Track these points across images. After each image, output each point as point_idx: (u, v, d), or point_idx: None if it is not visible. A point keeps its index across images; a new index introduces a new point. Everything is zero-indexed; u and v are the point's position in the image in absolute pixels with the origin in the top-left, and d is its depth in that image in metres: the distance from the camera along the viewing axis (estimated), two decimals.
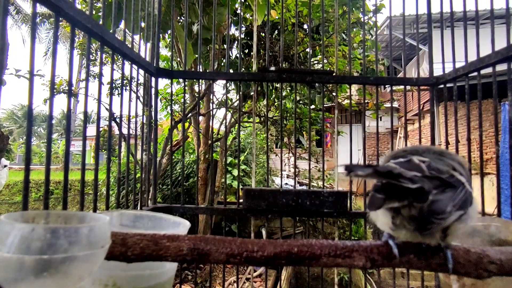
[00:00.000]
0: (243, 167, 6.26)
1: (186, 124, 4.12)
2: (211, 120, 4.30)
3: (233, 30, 4.49)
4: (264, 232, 4.68)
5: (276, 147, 10.60)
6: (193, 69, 3.60)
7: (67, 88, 2.05)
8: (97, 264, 0.60)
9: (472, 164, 1.51)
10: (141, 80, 3.87)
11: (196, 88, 4.30)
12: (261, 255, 0.68)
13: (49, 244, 0.52)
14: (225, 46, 4.01)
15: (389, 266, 0.68)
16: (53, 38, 0.94)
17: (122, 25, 1.87)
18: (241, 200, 1.65)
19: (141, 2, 1.49)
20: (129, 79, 1.85)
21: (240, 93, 2.06)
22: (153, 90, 1.73)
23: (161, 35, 2.85)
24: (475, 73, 1.40)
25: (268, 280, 3.50)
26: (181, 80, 2.85)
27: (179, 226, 0.97)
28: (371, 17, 4.51)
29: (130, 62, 1.46)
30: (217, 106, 4.62)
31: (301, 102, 4.95)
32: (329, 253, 0.67)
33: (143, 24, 1.57)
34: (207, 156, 4.34)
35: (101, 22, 1.13)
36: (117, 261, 0.68)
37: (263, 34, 4.28)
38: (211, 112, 4.16)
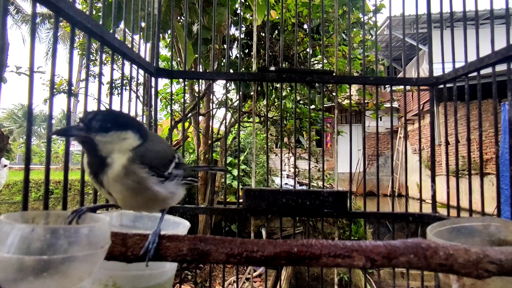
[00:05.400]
0: (243, 167, 6.25)
1: (186, 124, 4.12)
2: (211, 120, 4.29)
3: (233, 30, 4.49)
4: (264, 232, 4.67)
5: (276, 147, 10.59)
6: (193, 69, 3.59)
7: (67, 88, 2.05)
8: (97, 265, 0.60)
9: (472, 164, 1.52)
10: (141, 80, 3.88)
11: (196, 88, 4.30)
12: (261, 255, 0.68)
13: (49, 244, 0.52)
14: (225, 46, 4.00)
15: (389, 266, 0.68)
16: (53, 38, 0.94)
17: (122, 25, 1.87)
18: (241, 200, 1.65)
19: (141, 2, 1.49)
20: (129, 79, 1.85)
21: (240, 93, 2.06)
22: (153, 90, 1.73)
23: (161, 35, 2.85)
24: (475, 73, 1.40)
25: (268, 280, 3.50)
26: (181, 80, 2.85)
27: (179, 226, 0.97)
28: (371, 17, 4.51)
29: (130, 62, 1.46)
30: (217, 106, 4.62)
31: (301, 102, 4.94)
32: (329, 253, 0.67)
33: (143, 24, 1.57)
34: (207, 156, 4.34)
35: (101, 22, 1.13)
36: (117, 261, 0.68)
37: (263, 34, 4.28)
38: (211, 112, 4.16)
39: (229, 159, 5.84)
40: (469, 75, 1.44)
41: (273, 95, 4.56)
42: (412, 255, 0.67)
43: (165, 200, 0.76)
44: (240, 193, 1.76)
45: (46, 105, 4.64)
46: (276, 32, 4.39)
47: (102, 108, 0.85)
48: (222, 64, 4.02)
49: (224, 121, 4.26)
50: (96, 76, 4.66)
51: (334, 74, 1.73)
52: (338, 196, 1.58)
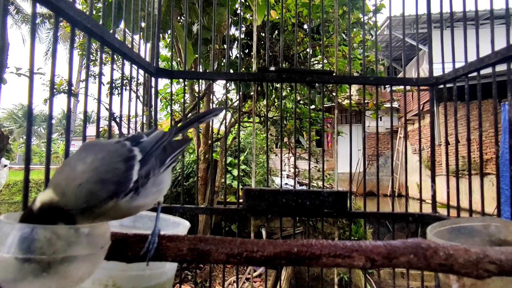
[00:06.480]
0: (243, 167, 6.25)
1: None
2: (211, 120, 4.29)
3: (233, 30, 4.49)
4: (264, 232, 4.67)
5: (276, 147, 10.59)
6: (193, 69, 3.59)
7: (67, 88, 2.05)
8: (97, 265, 0.60)
9: (472, 164, 1.52)
10: (141, 80, 3.88)
11: (196, 88, 4.30)
12: (261, 255, 0.68)
13: (49, 244, 0.52)
14: (225, 46, 4.00)
15: (389, 266, 0.68)
16: (53, 38, 0.94)
17: (122, 25, 1.87)
18: (241, 200, 1.65)
19: (141, 2, 1.49)
20: (129, 79, 1.85)
21: (240, 93, 2.06)
22: (153, 90, 1.73)
23: (161, 35, 2.85)
24: (475, 73, 1.40)
25: (268, 280, 3.50)
26: (181, 80, 2.86)
27: (179, 226, 0.97)
28: (371, 17, 4.51)
29: (130, 62, 1.46)
30: (217, 106, 4.62)
31: (301, 102, 4.95)
32: (329, 253, 0.67)
33: (143, 24, 1.57)
34: (207, 156, 4.34)
35: (101, 22, 1.13)
36: (117, 261, 0.68)
37: (263, 34, 4.28)
38: None
39: (229, 159, 5.84)
40: (469, 75, 1.44)
41: (273, 95, 4.56)
42: (412, 255, 0.67)
43: (153, 201, 0.70)
44: (240, 193, 1.76)
45: (46, 105, 4.64)
46: (276, 32, 4.39)
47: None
48: (222, 64, 4.02)
49: (224, 121, 4.26)
50: (96, 76, 4.66)
51: (334, 74, 1.73)
52: (338, 196, 1.58)
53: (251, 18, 4.18)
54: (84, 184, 0.57)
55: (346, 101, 7.37)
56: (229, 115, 4.69)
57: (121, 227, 0.96)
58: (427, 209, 1.68)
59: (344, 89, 4.59)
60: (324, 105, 1.94)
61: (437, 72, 1.66)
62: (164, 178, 0.70)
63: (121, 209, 0.61)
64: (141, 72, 1.70)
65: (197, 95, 4.07)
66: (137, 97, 3.62)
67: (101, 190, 0.58)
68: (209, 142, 4.18)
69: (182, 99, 4.12)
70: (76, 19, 0.95)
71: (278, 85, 4.24)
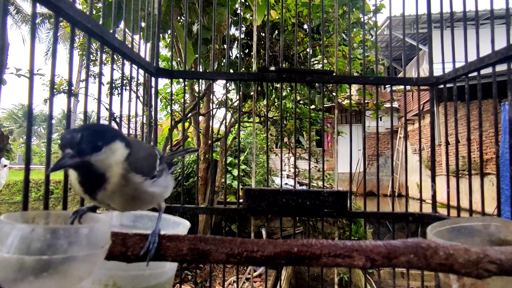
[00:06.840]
0: (243, 167, 6.25)
1: (186, 124, 4.12)
2: (211, 120, 4.29)
3: (233, 30, 4.49)
4: (264, 232, 4.67)
5: (276, 147, 10.59)
6: (193, 69, 3.59)
7: (67, 88, 2.06)
8: (97, 265, 0.60)
9: (472, 164, 1.52)
10: (141, 80, 3.88)
11: (196, 88, 4.30)
12: (261, 255, 0.68)
13: (49, 244, 0.52)
14: (225, 46, 4.01)
15: (389, 266, 0.68)
16: (53, 38, 0.94)
17: (122, 25, 1.87)
18: (241, 200, 1.65)
19: (141, 2, 1.49)
20: (129, 79, 1.85)
21: (240, 93, 2.06)
22: (153, 90, 1.73)
23: (161, 35, 2.85)
24: (475, 73, 1.40)
25: (268, 280, 3.50)
26: (181, 80, 2.86)
27: (179, 226, 0.97)
28: (371, 17, 4.50)
29: (130, 62, 1.46)
30: (217, 106, 4.62)
31: (301, 102, 4.94)
32: (329, 253, 0.67)
33: (143, 24, 1.57)
34: (207, 156, 4.34)
35: (101, 22, 1.13)
36: (117, 261, 0.68)
37: (263, 34, 4.28)
38: (211, 112, 4.16)
39: (229, 159, 5.84)
40: (469, 75, 1.44)
41: (273, 95, 4.55)
42: (412, 255, 0.67)
43: (162, 195, 0.81)
44: (240, 193, 1.76)
45: (46, 105, 4.64)
46: (276, 32, 4.39)
47: (76, 126, 0.81)
48: (222, 64, 4.02)
49: (224, 121, 4.26)
50: (96, 76, 4.66)
51: (334, 74, 1.73)
52: (338, 196, 1.58)
53: (251, 18, 4.18)
54: (142, 157, 0.74)
55: (346, 101, 7.37)
56: (229, 115, 4.69)
57: (121, 227, 0.96)
58: (427, 209, 1.68)
59: (344, 89, 4.59)
60: (324, 105, 1.94)
61: (437, 72, 1.66)
62: (169, 180, 0.84)
63: (138, 190, 0.70)
64: (141, 72, 1.70)
65: (197, 95, 4.07)
66: (137, 97, 3.62)
67: (145, 166, 0.73)
68: (209, 142, 4.18)
69: (182, 99, 4.12)
70: (76, 19, 0.95)
71: (278, 85, 4.24)
